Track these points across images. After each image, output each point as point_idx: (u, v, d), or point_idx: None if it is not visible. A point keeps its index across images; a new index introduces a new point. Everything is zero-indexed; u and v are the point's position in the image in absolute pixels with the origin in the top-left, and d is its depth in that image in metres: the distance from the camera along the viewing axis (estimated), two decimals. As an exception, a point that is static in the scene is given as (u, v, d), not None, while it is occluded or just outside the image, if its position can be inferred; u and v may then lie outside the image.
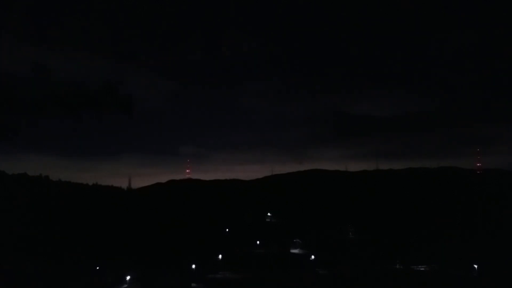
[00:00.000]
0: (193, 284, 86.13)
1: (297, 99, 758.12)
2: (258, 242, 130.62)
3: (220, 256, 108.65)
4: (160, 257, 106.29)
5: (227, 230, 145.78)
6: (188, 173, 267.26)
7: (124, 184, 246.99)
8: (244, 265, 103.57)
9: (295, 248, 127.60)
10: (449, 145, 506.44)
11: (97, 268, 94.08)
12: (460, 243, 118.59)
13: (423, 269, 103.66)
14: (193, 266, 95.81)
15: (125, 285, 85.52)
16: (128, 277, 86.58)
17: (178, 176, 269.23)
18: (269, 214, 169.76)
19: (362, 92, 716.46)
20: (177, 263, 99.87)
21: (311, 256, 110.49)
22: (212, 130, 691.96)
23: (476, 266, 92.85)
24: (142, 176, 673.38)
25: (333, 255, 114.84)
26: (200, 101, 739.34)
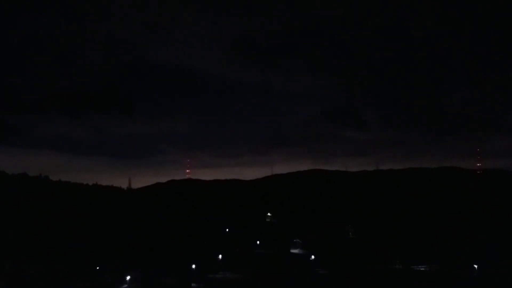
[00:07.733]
0: (193, 284, 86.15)
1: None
2: (258, 242, 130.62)
3: (220, 256, 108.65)
4: (160, 257, 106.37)
5: (227, 230, 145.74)
6: (188, 173, 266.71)
7: (124, 184, 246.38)
8: (244, 265, 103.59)
9: (295, 248, 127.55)
10: (449, 145, 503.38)
11: (97, 268, 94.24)
12: (460, 243, 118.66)
13: (423, 269, 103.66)
14: (193, 266, 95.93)
15: (125, 285, 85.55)
16: (128, 277, 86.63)
17: (178, 176, 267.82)
18: (269, 214, 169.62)
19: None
20: (177, 263, 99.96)
21: (311, 256, 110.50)
22: (212, 130, 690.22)
23: (476, 266, 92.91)
24: (142, 176, 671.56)
25: (333, 255, 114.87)
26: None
